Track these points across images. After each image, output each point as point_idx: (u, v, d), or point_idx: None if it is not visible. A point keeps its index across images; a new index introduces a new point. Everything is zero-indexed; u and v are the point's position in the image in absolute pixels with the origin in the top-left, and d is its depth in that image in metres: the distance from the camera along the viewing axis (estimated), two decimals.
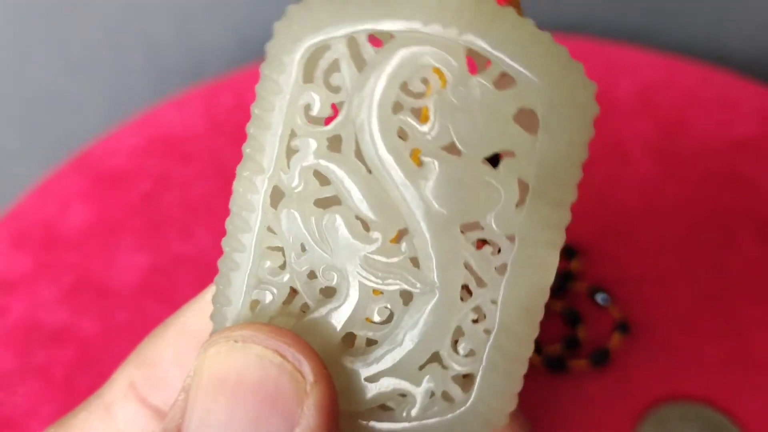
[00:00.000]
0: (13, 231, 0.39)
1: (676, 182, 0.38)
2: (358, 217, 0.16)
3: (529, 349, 0.16)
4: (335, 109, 0.16)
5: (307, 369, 0.15)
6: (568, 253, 0.35)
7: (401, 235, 0.16)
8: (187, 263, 0.37)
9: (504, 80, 0.15)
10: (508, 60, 0.15)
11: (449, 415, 0.16)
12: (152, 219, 0.40)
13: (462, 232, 0.16)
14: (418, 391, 0.16)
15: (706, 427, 0.30)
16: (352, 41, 0.16)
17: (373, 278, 0.16)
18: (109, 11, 0.47)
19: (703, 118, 0.41)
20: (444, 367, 0.16)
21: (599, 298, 0.34)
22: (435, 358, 0.16)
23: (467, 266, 0.16)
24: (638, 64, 0.44)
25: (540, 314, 0.16)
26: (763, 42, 0.47)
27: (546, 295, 0.16)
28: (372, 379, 0.16)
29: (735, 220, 0.37)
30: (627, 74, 0.43)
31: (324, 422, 0.15)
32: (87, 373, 0.34)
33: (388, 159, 0.16)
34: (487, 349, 0.16)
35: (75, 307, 0.36)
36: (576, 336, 0.33)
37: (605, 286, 0.35)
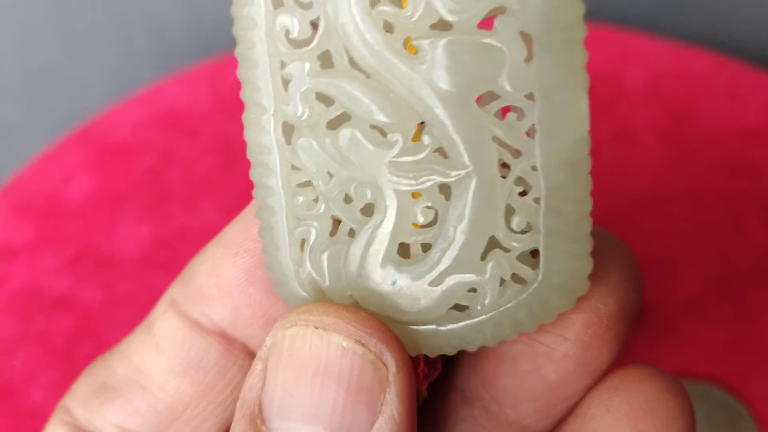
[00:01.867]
0: (15, 200, 0.39)
1: (684, 168, 0.38)
2: (372, 126, 0.15)
3: (586, 205, 0.15)
4: (315, 26, 0.15)
5: (389, 358, 0.15)
6: None
7: (421, 129, 0.15)
8: (191, 235, 0.37)
9: None
10: None
11: (524, 295, 0.15)
12: (156, 192, 0.39)
13: (480, 106, 0.15)
14: (486, 280, 0.15)
15: (714, 406, 0.30)
16: None
17: (405, 181, 0.15)
18: None
19: (713, 106, 0.41)
20: (505, 249, 0.15)
21: None
22: (494, 243, 0.15)
23: (496, 140, 0.15)
24: (648, 52, 0.43)
25: (587, 165, 0.15)
26: None
27: (588, 143, 0.14)
28: (436, 282, 0.16)
29: (743, 206, 0.37)
30: (637, 62, 0.43)
31: (405, 411, 0.15)
32: (87, 341, 0.34)
33: (382, 55, 0.15)
34: (541, 217, 0.15)
35: (76, 277, 0.36)
36: None
37: None
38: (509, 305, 0.15)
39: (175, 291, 0.19)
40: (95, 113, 0.43)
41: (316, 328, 0.15)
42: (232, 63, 0.47)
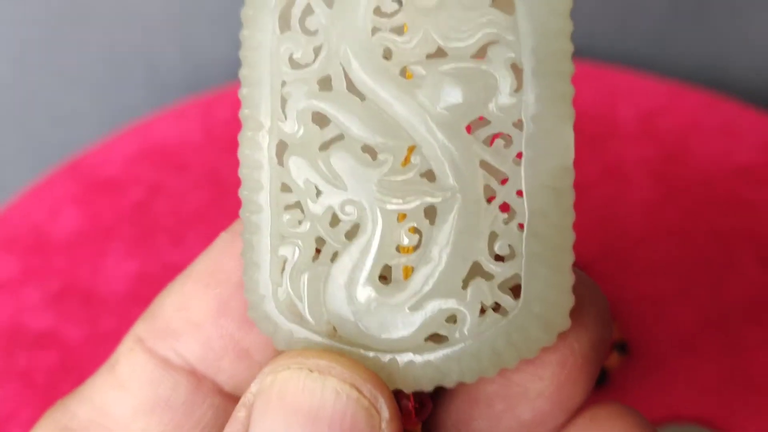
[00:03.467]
0: (1, 233, 0.38)
1: (676, 206, 0.38)
2: (364, 147, 0.16)
3: (568, 235, 0.15)
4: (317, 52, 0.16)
5: (382, 405, 0.15)
6: None
7: (411, 152, 0.16)
8: (178, 271, 0.36)
9: None
10: None
11: (503, 322, 0.15)
12: (143, 227, 0.39)
13: (470, 132, 0.15)
14: (466, 307, 0.15)
15: None
16: None
17: (392, 200, 0.16)
18: (109, 24, 0.47)
19: (705, 144, 0.41)
20: (488, 277, 0.15)
21: None
22: (476, 269, 0.15)
23: (483, 165, 0.15)
24: (640, 90, 0.43)
25: (570, 195, 0.15)
26: (765, 70, 0.47)
27: (571, 173, 0.15)
28: (416, 306, 0.15)
29: (735, 244, 0.36)
30: (628, 99, 0.43)
31: None
32: (69, 378, 0.33)
33: (378, 79, 0.15)
34: (524, 241, 0.15)
35: (60, 313, 0.36)
36: None
37: None
38: (488, 333, 0.15)
39: (140, 328, 0.18)
40: (86, 147, 0.43)
41: (311, 371, 0.15)
42: (224, 98, 0.47)
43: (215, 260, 0.18)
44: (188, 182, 0.41)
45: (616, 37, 0.47)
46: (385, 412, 0.15)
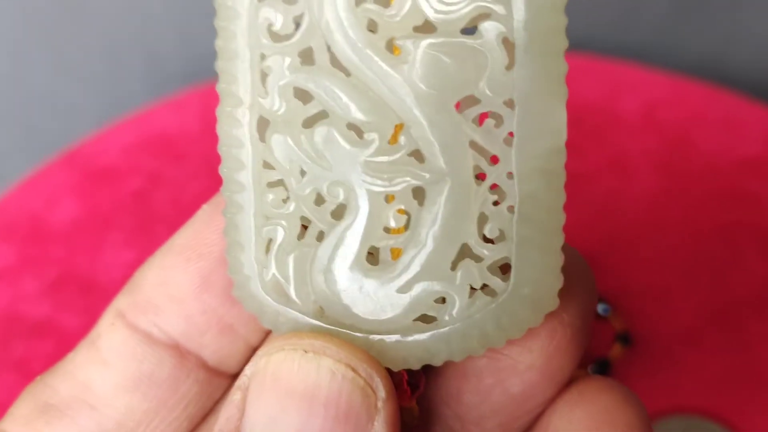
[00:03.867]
0: None
1: (679, 198, 0.38)
2: (349, 125, 0.15)
3: (559, 217, 0.15)
4: (298, 23, 0.15)
5: (378, 384, 0.15)
6: None
7: (399, 130, 0.15)
8: None
9: None
10: None
11: (493, 306, 0.15)
12: (142, 217, 0.39)
13: (459, 111, 0.15)
14: (455, 289, 0.15)
15: None
16: None
17: (379, 182, 0.15)
18: (108, 15, 0.47)
19: (708, 137, 0.41)
20: (477, 259, 0.15)
21: (600, 308, 0.33)
22: (465, 251, 0.15)
23: (473, 145, 0.15)
24: (643, 83, 0.43)
25: (561, 176, 0.15)
26: None
27: (563, 154, 0.15)
28: (404, 289, 0.15)
29: (739, 237, 0.36)
30: (632, 92, 0.43)
31: None
32: None
33: (364, 54, 0.15)
34: (514, 224, 0.15)
35: (57, 302, 0.35)
36: None
37: (606, 297, 0.34)
38: (477, 316, 0.15)
39: (121, 302, 0.18)
40: (84, 137, 0.43)
41: (306, 351, 0.15)
42: None
43: (196, 233, 0.17)
44: (187, 172, 0.40)
45: (619, 30, 0.46)
46: (381, 392, 0.15)
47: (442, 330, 0.15)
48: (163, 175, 0.40)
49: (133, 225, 0.38)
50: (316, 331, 0.16)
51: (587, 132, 0.40)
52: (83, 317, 0.35)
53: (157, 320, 0.17)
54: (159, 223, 0.38)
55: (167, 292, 0.17)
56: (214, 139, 0.46)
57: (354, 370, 0.15)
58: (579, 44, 0.46)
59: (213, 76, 0.49)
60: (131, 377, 0.17)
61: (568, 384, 0.17)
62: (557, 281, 0.15)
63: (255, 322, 0.17)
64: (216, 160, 0.43)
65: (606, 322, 0.33)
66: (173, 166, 0.41)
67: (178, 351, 0.17)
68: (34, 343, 0.34)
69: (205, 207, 0.18)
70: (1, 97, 0.48)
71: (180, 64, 0.48)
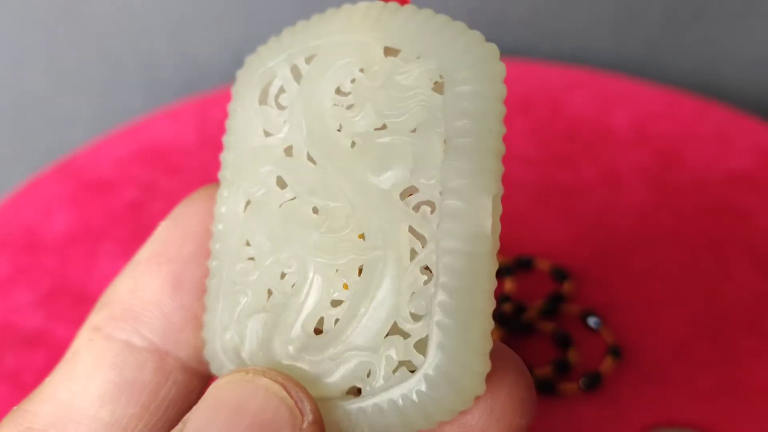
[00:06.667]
0: None
1: (671, 211, 0.38)
2: (312, 207, 0.17)
3: (484, 299, 0.15)
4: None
5: (307, 407, 0.16)
6: (559, 275, 0.35)
7: (348, 215, 0.17)
8: None
9: (411, 58, 0.17)
10: (409, 44, 0.17)
11: (412, 380, 0.16)
12: (136, 228, 0.39)
13: (402, 198, 0.16)
14: (379, 362, 0.16)
15: None
16: (294, 67, 0.18)
17: (326, 256, 0.17)
18: (105, 25, 0.47)
19: (699, 150, 0.41)
20: (404, 335, 0.16)
21: (591, 321, 0.33)
22: (395, 327, 0.16)
23: (411, 230, 0.16)
24: (635, 96, 0.43)
25: (487, 262, 0.16)
26: (759, 78, 0.47)
27: (488, 242, 0.16)
28: (335, 356, 0.16)
29: (729, 250, 0.36)
30: (623, 105, 0.43)
31: None
32: None
33: (328, 148, 0.17)
34: (435, 303, 0.16)
35: (51, 313, 0.35)
36: (567, 359, 0.32)
37: (597, 310, 0.34)
38: (394, 390, 0.16)
39: (96, 318, 0.18)
40: (79, 147, 0.43)
41: (247, 373, 0.16)
42: (219, 100, 0.47)
43: (161, 244, 0.18)
44: (181, 183, 0.40)
45: (612, 44, 0.47)
46: (309, 415, 0.16)
47: (364, 402, 0.16)
48: (157, 186, 0.40)
49: (127, 236, 0.38)
50: (268, 369, 0.17)
51: (579, 146, 0.40)
52: (76, 328, 0.34)
53: (136, 326, 0.18)
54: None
55: (143, 297, 0.18)
56: (208, 151, 0.46)
57: (287, 390, 0.16)
58: (572, 58, 0.47)
59: (208, 88, 0.49)
60: (114, 386, 0.18)
61: None
62: (482, 365, 0.15)
63: None
64: (210, 172, 0.43)
65: (597, 336, 0.33)
66: (168, 177, 0.41)
67: (158, 354, 0.18)
68: (27, 354, 0.34)
69: (163, 223, 0.19)
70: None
71: (176, 75, 0.48)
